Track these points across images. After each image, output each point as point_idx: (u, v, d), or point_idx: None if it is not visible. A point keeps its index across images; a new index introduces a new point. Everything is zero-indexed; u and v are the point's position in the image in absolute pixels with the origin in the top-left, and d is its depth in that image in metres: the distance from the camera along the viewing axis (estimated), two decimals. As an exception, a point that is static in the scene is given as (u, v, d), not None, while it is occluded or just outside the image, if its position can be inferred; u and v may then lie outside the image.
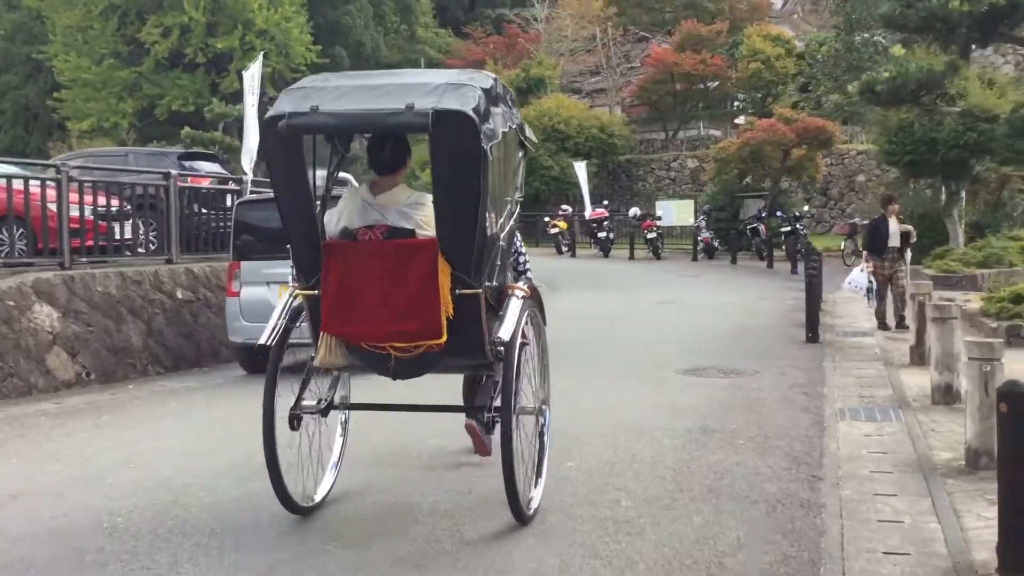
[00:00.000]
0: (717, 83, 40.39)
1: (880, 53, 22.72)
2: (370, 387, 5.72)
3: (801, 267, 21.50)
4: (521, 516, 4.85)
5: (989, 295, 12.38)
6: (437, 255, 4.60)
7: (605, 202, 31.64)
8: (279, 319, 4.99)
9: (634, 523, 4.89)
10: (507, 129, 4.94)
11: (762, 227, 26.31)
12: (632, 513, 5.05)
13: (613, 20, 45.73)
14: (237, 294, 9.92)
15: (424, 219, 4.80)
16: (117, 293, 10.23)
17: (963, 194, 21.36)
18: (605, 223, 28.74)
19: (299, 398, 5.01)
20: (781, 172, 28.33)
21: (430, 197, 4.76)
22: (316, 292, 4.80)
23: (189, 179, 13.86)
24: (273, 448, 4.84)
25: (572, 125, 35.00)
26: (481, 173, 4.50)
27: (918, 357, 9.62)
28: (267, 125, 4.57)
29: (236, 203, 10.47)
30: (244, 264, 9.91)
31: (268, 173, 5.13)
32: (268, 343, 4.92)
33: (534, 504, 5.04)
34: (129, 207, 11.57)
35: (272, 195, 5.08)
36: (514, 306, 4.91)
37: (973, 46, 15.59)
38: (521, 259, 5.98)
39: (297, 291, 4.91)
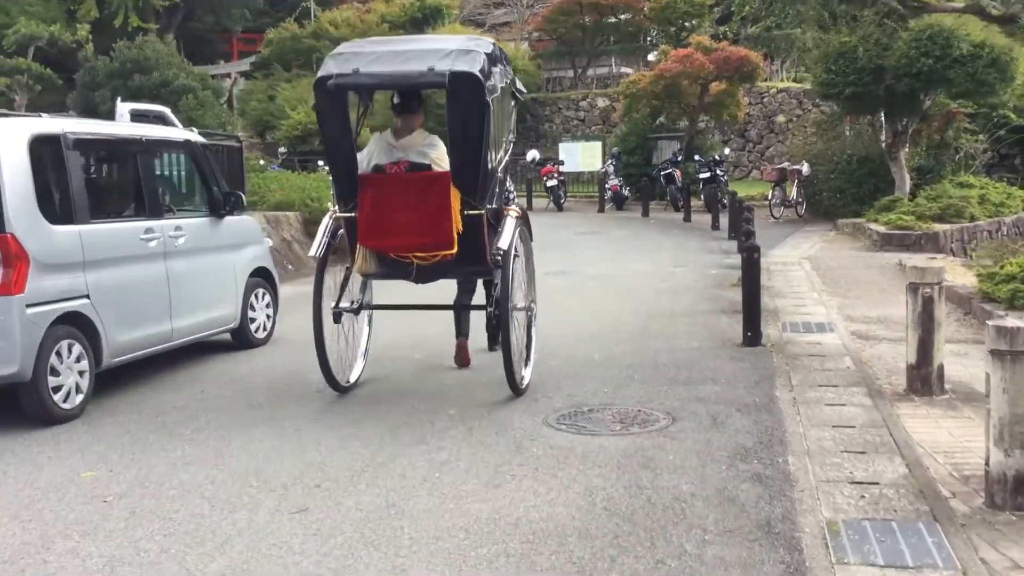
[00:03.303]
0: (629, 15, 36.70)
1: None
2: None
3: (724, 220, 18.25)
4: (516, 389, 6.18)
5: (985, 269, 9.07)
6: (450, 184, 5.91)
7: (501, 145, 27.80)
8: (325, 235, 6.22)
9: None
10: (504, 84, 6.27)
11: (677, 173, 22.86)
12: None
13: (518, -55, 41.56)
14: None
15: (438, 156, 6.19)
16: None
17: (909, 134, 18.18)
18: (500, 169, 24.93)
19: (339, 300, 6.38)
20: (699, 110, 24.88)
21: (439, 140, 6.27)
22: (353, 215, 6.07)
23: None
24: (322, 339, 6.14)
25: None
26: (485, 120, 5.80)
27: (920, 382, 6.18)
28: (318, 85, 5.78)
29: None
30: None
31: (318, 123, 6.24)
32: (316, 255, 6.24)
33: (525, 381, 6.37)
34: None
35: None
36: (509, 223, 6.26)
37: None
38: (509, 191, 7.30)
39: (336, 215, 6.19)
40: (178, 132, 7.69)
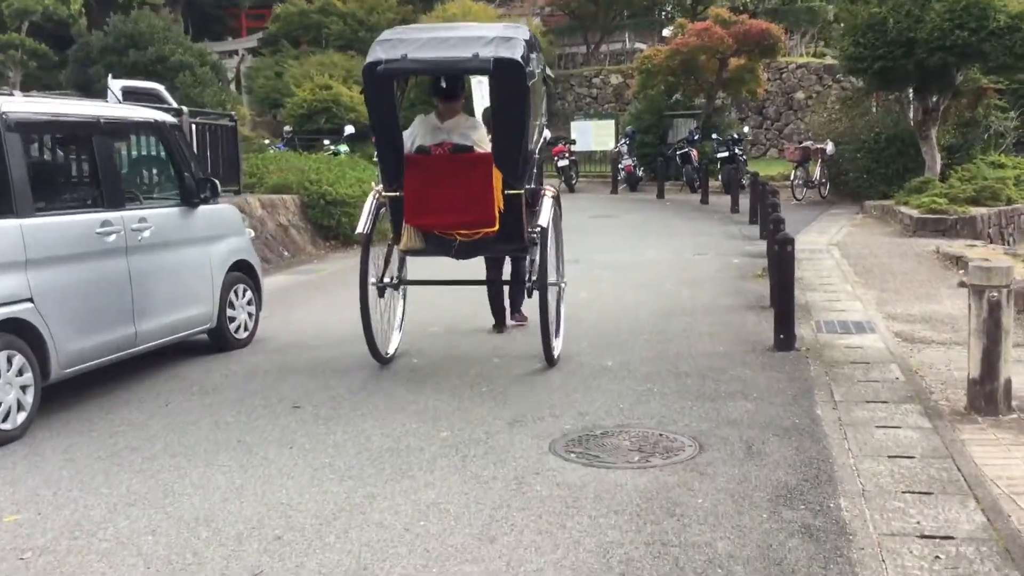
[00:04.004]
0: (644, -13, 35.68)
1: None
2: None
3: (744, 202, 17.35)
4: (551, 359, 6.49)
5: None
6: (491, 165, 6.22)
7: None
8: (369, 214, 6.44)
9: None
10: (539, 69, 6.50)
11: (694, 152, 22.01)
12: None
13: (530, -84, 40.44)
14: None
15: (479, 138, 6.51)
16: None
17: (941, 110, 17.25)
18: (509, 149, 24.06)
19: (382, 276, 6.72)
20: (717, 86, 23.94)
21: (480, 123, 6.72)
22: (399, 194, 6.34)
23: None
24: (368, 312, 6.35)
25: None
26: (525, 104, 6.09)
27: (984, 400, 5.38)
28: (368, 70, 5.96)
29: None
30: None
31: (366, 107, 6.37)
32: (364, 231, 6.41)
33: (556, 351, 6.61)
34: None
35: None
36: (547, 203, 6.59)
37: None
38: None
39: (381, 194, 6.48)
40: (144, 111, 6.89)
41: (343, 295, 9.91)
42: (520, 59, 5.92)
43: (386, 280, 6.72)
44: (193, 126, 12.66)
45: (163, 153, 6.88)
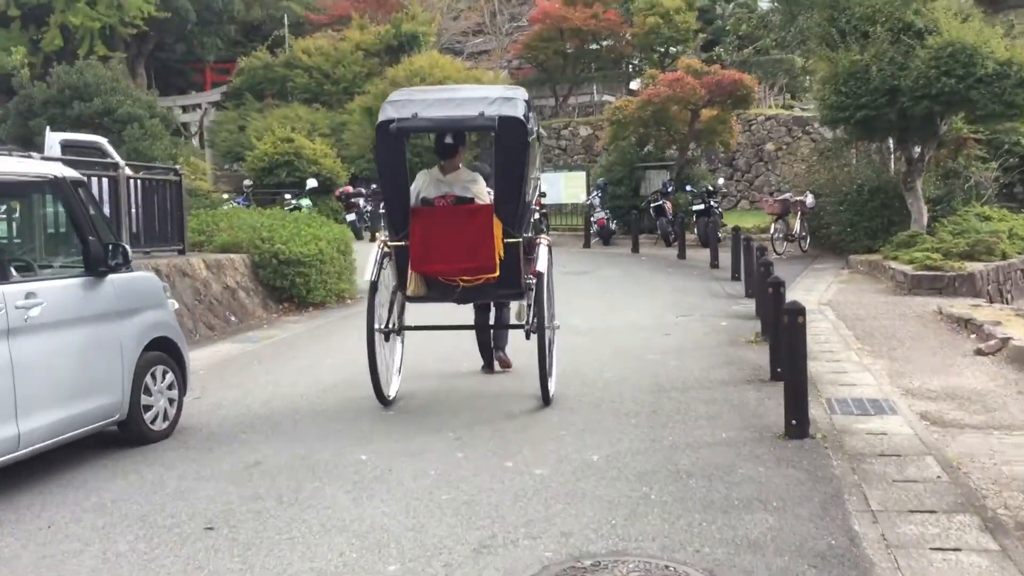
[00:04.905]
0: (611, 41, 35.27)
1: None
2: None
3: (723, 257, 16.49)
4: (547, 398, 6.85)
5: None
6: (492, 215, 6.65)
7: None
8: (376, 263, 6.82)
9: None
10: (536, 127, 7.01)
11: (668, 205, 21.25)
12: None
13: (498, -26, 40.26)
14: None
15: (479, 191, 6.98)
16: None
17: (926, 161, 16.59)
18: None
19: (388, 321, 7.04)
20: (689, 137, 23.28)
21: (480, 176, 7.13)
22: (404, 243, 6.77)
23: None
24: (374, 357, 6.71)
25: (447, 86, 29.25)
26: (526, 159, 6.60)
27: (1057, 509, 4.41)
28: (381, 128, 6.51)
29: None
30: None
31: (375, 162, 7.25)
32: (373, 279, 6.78)
33: (551, 391, 6.90)
34: None
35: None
36: (543, 250, 6.99)
37: None
38: None
39: (387, 243, 6.88)
40: (39, 166, 5.81)
41: (290, 368, 8.82)
42: (522, 117, 6.43)
43: (387, 327, 7.02)
44: (132, 182, 11.65)
45: (65, 215, 5.81)
